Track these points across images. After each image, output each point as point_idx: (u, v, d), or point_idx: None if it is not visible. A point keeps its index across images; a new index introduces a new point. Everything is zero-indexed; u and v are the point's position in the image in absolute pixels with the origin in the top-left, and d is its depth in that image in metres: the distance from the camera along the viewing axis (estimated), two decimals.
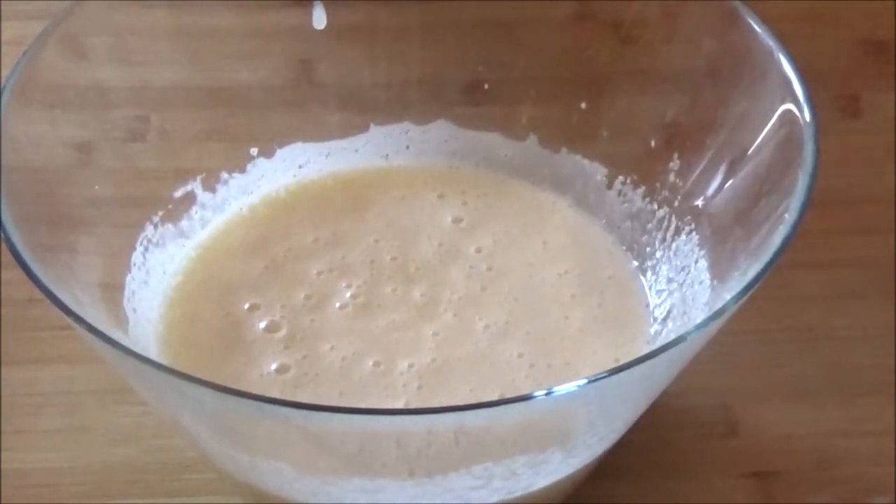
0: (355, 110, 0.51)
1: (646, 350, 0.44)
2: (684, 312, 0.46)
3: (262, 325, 0.47)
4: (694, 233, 0.47)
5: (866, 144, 0.59)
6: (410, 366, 0.46)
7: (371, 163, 0.52)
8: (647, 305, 0.48)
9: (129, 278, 0.47)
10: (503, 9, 0.50)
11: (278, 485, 0.44)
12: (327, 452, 0.42)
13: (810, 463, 0.49)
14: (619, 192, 0.50)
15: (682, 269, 0.47)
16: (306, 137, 0.51)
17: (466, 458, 0.42)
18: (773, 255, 0.41)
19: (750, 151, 0.46)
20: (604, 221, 0.50)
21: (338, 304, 0.48)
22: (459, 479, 0.42)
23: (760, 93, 0.46)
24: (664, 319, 0.47)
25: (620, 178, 0.50)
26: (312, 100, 0.51)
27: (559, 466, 0.44)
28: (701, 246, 0.47)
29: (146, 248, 0.48)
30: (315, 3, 0.50)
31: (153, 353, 0.45)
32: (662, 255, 0.48)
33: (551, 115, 0.50)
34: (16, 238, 0.41)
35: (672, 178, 0.48)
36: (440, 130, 0.52)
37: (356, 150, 0.52)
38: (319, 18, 0.49)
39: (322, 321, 0.47)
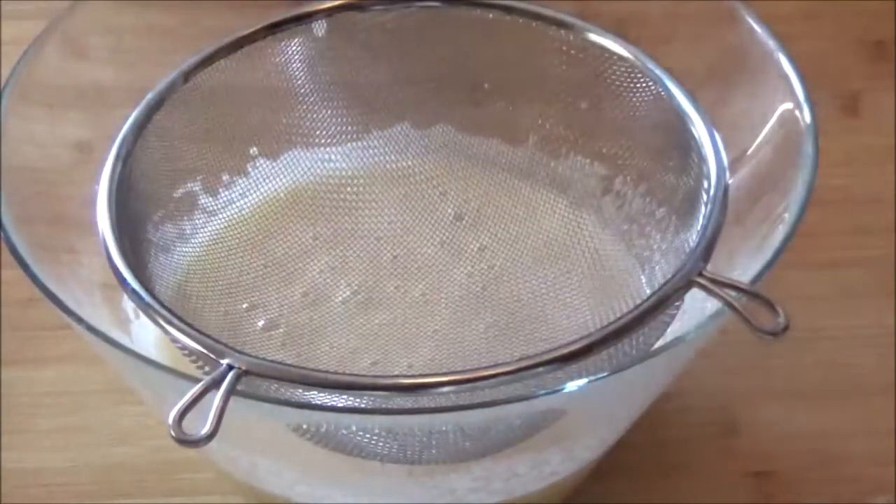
0: (355, 111, 0.51)
1: None
2: (684, 312, 0.46)
3: (261, 323, 0.47)
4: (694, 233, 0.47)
5: (866, 144, 0.59)
6: (410, 366, 0.46)
7: (371, 163, 0.52)
8: None
9: None
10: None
11: (278, 485, 0.44)
12: (326, 452, 0.42)
13: (810, 463, 0.50)
14: (619, 192, 0.50)
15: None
16: (306, 137, 0.51)
17: (466, 458, 0.42)
18: (773, 255, 0.41)
19: (750, 151, 0.46)
20: (604, 221, 0.50)
21: (337, 303, 0.48)
22: (459, 480, 0.42)
23: (760, 93, 0.46)
24: None
25: (620, 177, 0.50)
26: (312, 100, 0.50)
27: (559, 467, 0.44)
28: None
29: (146, 249, 0.48)
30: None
31: (153, 353, 0.45)
32: (662, 256, 0.48)
33: (551, 114, 0.50)
34: (16, 238, 0.41)
35: (672, 177, 0.48)
36: (441, 130, 0.52)
37: (356, 151, 0.52)
38: (320, 26, 0.49)
39: (320, 319, 0.47)
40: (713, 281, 0.39)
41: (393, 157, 0.51)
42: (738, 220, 0.45)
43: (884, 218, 0.56)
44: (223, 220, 0.50)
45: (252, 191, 0.50)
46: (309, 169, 0.51)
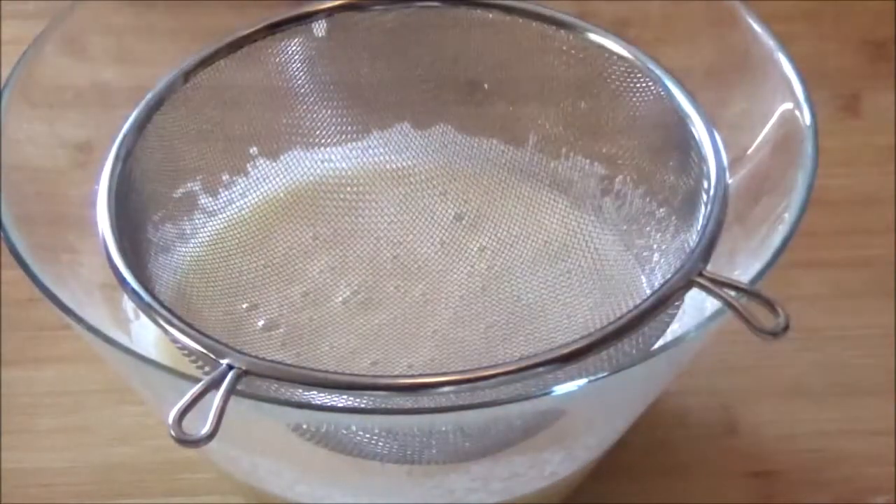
0: (355, 111, 0.51)
1: None
2: (684, 312, 0.46)
3: (261, 323, 0.47)
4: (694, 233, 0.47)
5: (866, 144, 0.59)
6: (410, 366, 0.46)
7: (371, 163, 0.52)
8: None
9: None
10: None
11: (278, 485, 0.44)
12: (326, 452, 0.42)
13: (810, 463, 0.50)
14: (619, 192, 0.50)
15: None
16: (306, 137, 0.51)
17: (466, 458, 0.42)
18: (773, 255, 0.41)
19: (750, 151, 0.46)
20: (604, 221, 0.50)
21: (337, 303, 0.48)
22: (459, 480, 0.42)
23: (760, 93, 0.46)
24: None
25: (620, 177, 0.50)
26: (312, 100, 0.50)
27: (559, 467, 0.44)
28: None
29: (146, 249, 0.48)
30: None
31: (153, 353, 0.45)
32: (662, 255, 0.48)
33: (551, 114, 0.50)
34: (16, 238, 0.41)
35: (672, 177, 0.48)
36: (441, 130, 0.52)
37: (356, 150, 0.52)
38: (320, 26, 0.49)
39: (320, 319, 0.47)
40: (713, 281, 0.39)
41: (393, 157, 0.51)
42: (738, 220, 0.45)
43: (884, 218, 0.56)
44: (223, 221, 0.50)
45: (252, 191, 0.50)
46: (309, 169, 0.51)
